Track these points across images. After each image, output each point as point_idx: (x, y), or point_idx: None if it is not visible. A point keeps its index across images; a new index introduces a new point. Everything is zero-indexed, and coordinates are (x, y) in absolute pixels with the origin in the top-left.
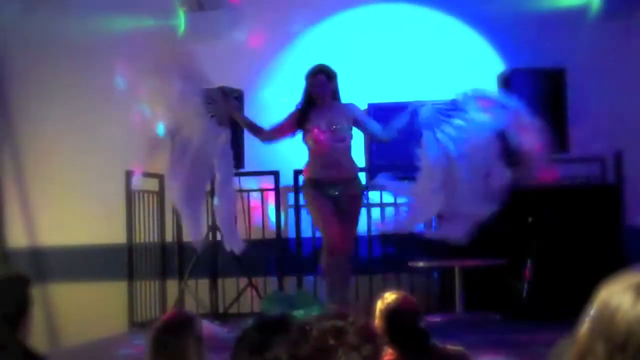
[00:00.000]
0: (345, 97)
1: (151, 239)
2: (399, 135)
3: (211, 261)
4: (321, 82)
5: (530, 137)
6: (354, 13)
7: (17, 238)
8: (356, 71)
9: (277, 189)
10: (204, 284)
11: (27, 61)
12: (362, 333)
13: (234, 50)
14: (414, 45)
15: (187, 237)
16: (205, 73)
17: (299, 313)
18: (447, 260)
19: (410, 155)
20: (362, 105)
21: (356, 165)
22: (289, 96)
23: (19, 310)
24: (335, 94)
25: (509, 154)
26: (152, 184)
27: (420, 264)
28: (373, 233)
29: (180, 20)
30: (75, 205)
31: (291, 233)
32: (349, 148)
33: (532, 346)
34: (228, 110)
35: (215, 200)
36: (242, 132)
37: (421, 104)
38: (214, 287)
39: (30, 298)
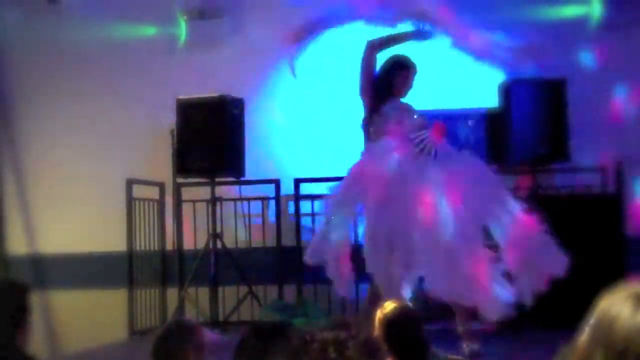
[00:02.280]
0: (347, 106)
1: (151, 247)
2: None
3: (211, 269)
4: (413, 77)
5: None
6: (357, 23)
7: (18, 245)
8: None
9: (277, 197)
10: (204, 292)
11: (28, 70)
12: (364, 346)
13: (234, 58)
14: (414, 54)
15: (187, 244)
16: None
17: (298, 321)
18: None
19: None
20: None
21: None
22: (289, 104)
23: (19, 317)
24: None
25: None
26: (153, 192)
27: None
28: None
29: (181, 29)
30: (75, 212)
31: (291, 241)
32: None
33: (532, 355)
34: None
35: None
36: (243, 140)
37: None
38: (214, 296)
39: (30, 305)
